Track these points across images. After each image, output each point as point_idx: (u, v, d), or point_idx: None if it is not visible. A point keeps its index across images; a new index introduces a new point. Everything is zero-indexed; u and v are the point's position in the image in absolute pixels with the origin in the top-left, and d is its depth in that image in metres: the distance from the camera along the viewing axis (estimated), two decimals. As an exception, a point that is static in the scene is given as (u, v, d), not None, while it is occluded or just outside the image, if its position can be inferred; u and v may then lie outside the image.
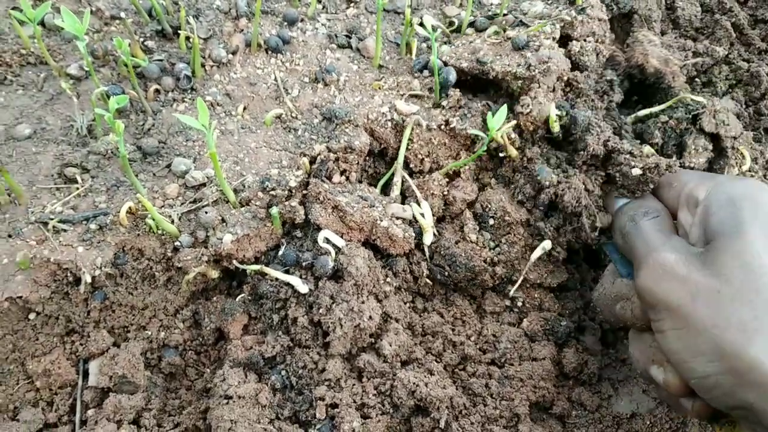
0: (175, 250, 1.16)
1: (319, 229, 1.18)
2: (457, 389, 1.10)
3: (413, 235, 1.20)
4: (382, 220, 1.18)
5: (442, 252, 1.20)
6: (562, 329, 1.19)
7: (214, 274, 1.19)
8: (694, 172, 1.09)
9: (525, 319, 1.20)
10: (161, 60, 1.33)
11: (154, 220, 1.14)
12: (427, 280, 1.21)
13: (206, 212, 1.16)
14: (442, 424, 1.03)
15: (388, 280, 1.18)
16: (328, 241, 1.17)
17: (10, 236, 1.13)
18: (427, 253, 1.22)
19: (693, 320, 0.82)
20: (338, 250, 1.16)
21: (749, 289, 0.79)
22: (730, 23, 1.49)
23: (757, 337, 0.77)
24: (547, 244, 1.17)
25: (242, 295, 1.18)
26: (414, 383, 1.05)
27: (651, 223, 0.98)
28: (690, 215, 0.95)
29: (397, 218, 1.20)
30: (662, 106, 1.28)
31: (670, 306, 0.85)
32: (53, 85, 1.31)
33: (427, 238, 1.22)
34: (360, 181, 1.26)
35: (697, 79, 1.42)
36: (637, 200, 1.09)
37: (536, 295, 1.23)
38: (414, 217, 1.20)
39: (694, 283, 0.83)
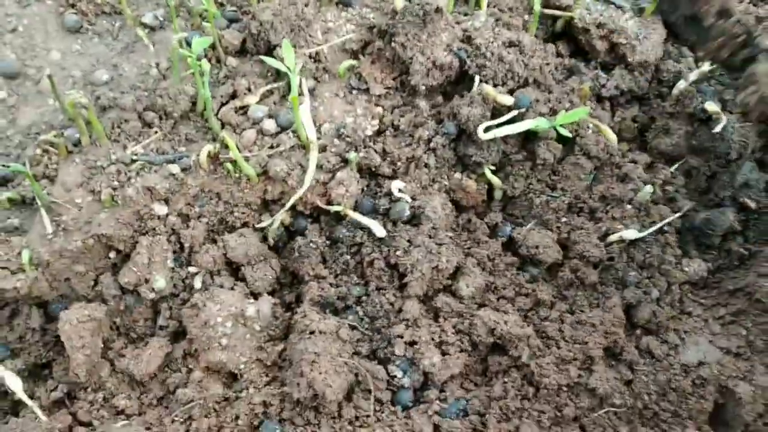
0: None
1: (391, 177, 1.21)
2: (533, 332, 1.12)
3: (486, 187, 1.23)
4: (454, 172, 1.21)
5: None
6: (630, 278, 1.21)
7: (289, 219, 1.22)
8: None
9: (598, 268, 1.22)
10: (234, 12, 1.36)
11: (233, 163, 1.16)
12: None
13: (284, 157, 1.18)
14: (525, 359, 1.05)
15: (461, 225, 1.21)
16: (401, 190, 1.19)
17: (92, 175, 1.15)
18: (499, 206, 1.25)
19: None
20: (413, 197, 1.18)
21: None
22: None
23: None
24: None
25: (318, 239, 1.19)
26: (494, 321, 1.07)
27: None
28: None
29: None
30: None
31: None
32: (128, 34, 1.34)
33: (498, 193, 1.25)
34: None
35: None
36: None
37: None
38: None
39: None
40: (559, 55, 1.42)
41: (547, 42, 1.41)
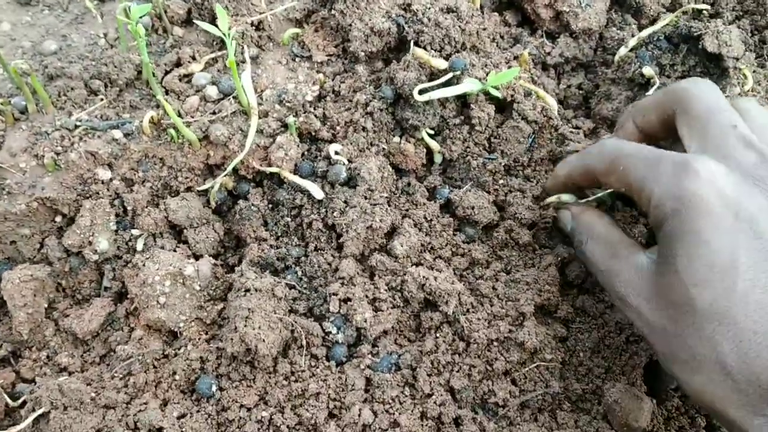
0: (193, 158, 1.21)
1: (330, 141, 1.23)
2: (465, 290, 1.14)
3: (424, 150, 1.25)
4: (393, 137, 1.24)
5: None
6: (559, 235, 1.23)
7: (231, 184, 1.24)
8: (637, 152, 0.95)
9: (533, 229, 1.24)
10: (182, -17, 1.38)
11: (175, 129, 1.18)
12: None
13: (225, 123, 1.21)
14: (450, 312, 1.08)
15: (400, 188, 1.23)
16: (338, 153, 1.21)
17: (37, 141, 1.18)
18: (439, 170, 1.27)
19: (653, 345, 0.91)
20: (350, 160, 1.21)
21: (684, 327, 0.83)
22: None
23: (697, 374, 0.83)
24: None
25: (259, 203, 1.22)
26: (424, 277, 1.10)
27: (596, 248, 1.02)
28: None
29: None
30: (661, 23, 1.32)
31: (637, 330, 0.95)
32: (78, 6, 1.36)
33: (438, 157, 1.28)
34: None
35: (704, 11, 1.44)
36: (577, 207, 1.14)
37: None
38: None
39: (646, 317, 0.89)
40: (506, 24, 1.45)
41: (495, 12, 1.44)
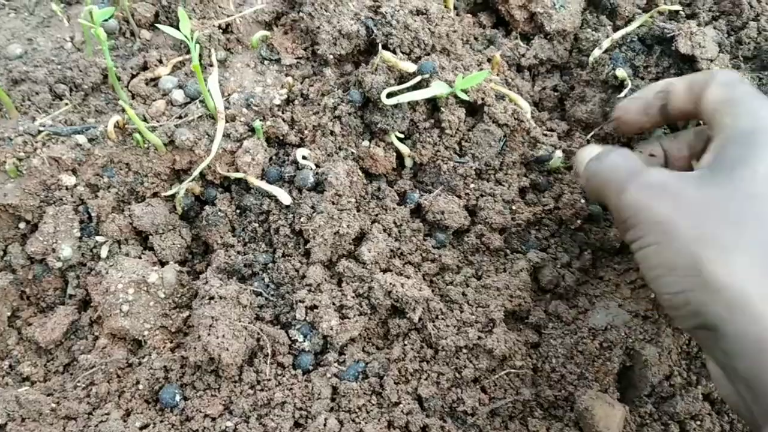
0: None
1: (298, 146, 1.22)
2: (434, 296, 1.13)
3: (394, 155, 1.23)
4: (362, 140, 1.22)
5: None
6: (532, 240, 1.22)
7: (199, 189, 1.22)
8: (724, 76, 0.93)
9: (505, 233, 1.23)
10: (150, -15, 1.36)
11: (140, 133, 1.16)
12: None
13: (191, 127, 1.19)
14: (415, 319, 1.06)
15: (370, 193, 1.21)
16: (305, 158, 1.20)
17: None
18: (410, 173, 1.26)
19: (676, 233, 0.81)
20: (317, 164, 1.19)
21: (741, 210, 0.78)
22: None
23: (736, 257, 0.77)
24: None
25: (226, 208, 1.20)
26: (391, 283, 1.08)
27: (622, 154, 0.94)
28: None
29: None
30: (635, 24, 1.31)
31: (655, 219, 0.83)
32: (44, 9, 1.34)
33: (408, 161, 1.26)
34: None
35: (681, 12, 1.43)
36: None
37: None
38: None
39: (685, 198, 0.82)
40: (480, 25, 1.43)
41: (469, 13, 1.42)
